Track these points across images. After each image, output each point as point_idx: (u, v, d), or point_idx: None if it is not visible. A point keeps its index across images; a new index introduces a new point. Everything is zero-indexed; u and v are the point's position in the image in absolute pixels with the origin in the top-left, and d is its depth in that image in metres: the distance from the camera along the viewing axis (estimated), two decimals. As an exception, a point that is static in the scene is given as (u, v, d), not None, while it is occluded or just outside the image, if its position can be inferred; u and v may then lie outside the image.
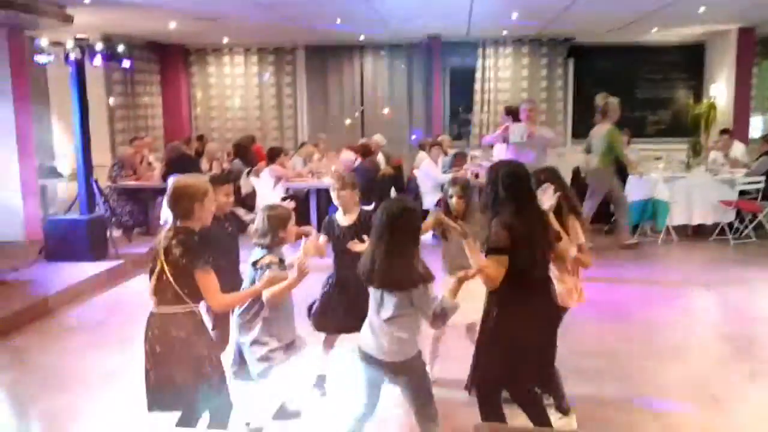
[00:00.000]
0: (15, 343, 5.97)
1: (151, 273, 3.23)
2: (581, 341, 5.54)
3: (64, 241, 7.94)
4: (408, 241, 3.35)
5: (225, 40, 13.72)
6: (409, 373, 3.42)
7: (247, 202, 9.69)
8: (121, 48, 8.59)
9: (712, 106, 13.06)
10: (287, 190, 9.94)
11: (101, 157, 10.89)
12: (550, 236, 3.65)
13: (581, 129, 12.49)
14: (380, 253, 3.33)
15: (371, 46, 14.01)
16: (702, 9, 10.03)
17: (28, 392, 4.95)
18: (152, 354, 3.21)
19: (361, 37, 13.32)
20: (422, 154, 10.77)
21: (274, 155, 9.70)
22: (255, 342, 3.90)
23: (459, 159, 10.52)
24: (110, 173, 9.91)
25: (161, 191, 6.65)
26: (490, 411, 3.67)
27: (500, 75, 13.66)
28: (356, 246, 4.23)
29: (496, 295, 3.62)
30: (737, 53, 12.51)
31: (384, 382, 3.56)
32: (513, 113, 9.44)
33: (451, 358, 4.75)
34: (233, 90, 14.40)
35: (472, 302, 3.74)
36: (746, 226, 9.57)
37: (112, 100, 12.14)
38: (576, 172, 11.02)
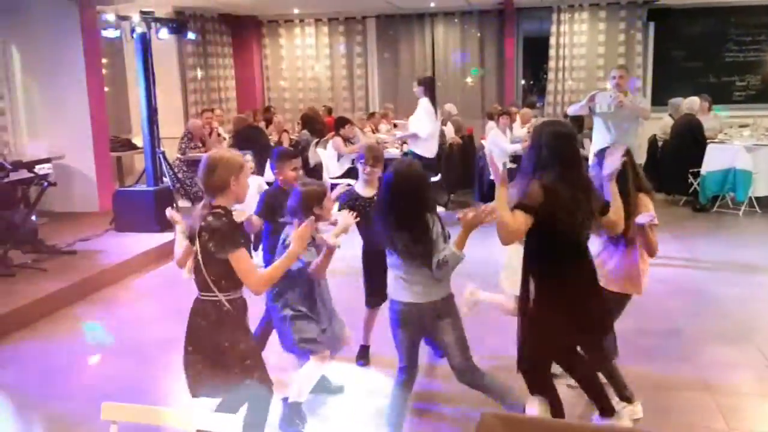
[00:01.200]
0: (76, 311, 6.15)
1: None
2: (645, 318, 5.27)
3: (132, 213, 8.11)
4: (416, 205, 3.33)
5: (296, 11, 13.73)
6: (451, 312, 3.46)
7: (316, 173, 9.69)
8: (186, 21, 8.66)
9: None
10: (353, 161, 9.89)
11: (176, 129, 11.11)
12: (592, 203, 3.43)
13: (662, 97, 11.91)
14: (392, 220, 3.34)
15: (443, 13, 13.73)
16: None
17: (86, 358, 5.10)
18: (186, 335, 3.17)
19: (432, 4, 13.07)
20: (491, 124, 10.53)
21: (339, 125, 9.66)
22: (296, 317, 3.80)
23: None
24: (180, 145, 10.07)
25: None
26: (539, 386, 3.54)
27: (576, 41, 13.15)
28: None
29: (533, 262, 3.45)
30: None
31: (421, 340, 3.58)
32: (425, 84, 8.83)
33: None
34: (304, 61, 14.42)
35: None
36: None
37: (198, 74, 12.35)
38: (652, 142, 10.55)
